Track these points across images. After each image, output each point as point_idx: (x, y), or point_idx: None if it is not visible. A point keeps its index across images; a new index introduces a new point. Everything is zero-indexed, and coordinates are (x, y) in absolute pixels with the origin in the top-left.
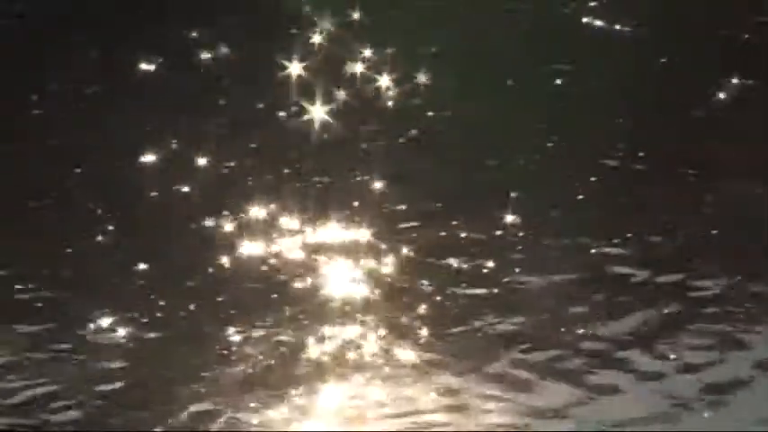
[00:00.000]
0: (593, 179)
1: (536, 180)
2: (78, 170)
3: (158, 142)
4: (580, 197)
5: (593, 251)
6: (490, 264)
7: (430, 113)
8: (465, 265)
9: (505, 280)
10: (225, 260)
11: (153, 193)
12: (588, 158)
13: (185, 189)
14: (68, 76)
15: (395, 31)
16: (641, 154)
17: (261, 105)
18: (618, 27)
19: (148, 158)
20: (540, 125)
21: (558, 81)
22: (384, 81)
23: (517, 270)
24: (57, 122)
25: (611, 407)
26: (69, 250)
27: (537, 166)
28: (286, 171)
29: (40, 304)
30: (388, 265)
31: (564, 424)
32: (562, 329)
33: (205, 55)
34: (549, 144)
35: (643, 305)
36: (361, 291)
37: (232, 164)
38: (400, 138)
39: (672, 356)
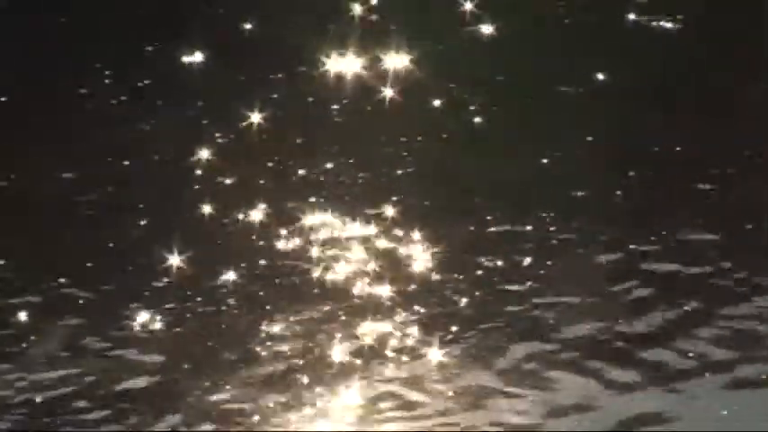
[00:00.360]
0: (630, 174)
1: (571, 176)
2: (125, 163)
3: (199, 137)
4: (617, 193)
5: (630, 247)
6: (523, 260)
7: (471, 108)
8: (498, 262)
9: (539, 274)
10: (260, 255)
11: (193, 187)
12: (625, 155)
13: (225, 182)
14: (114, 69)
15: (433, 29)
16: (678, 149)
17: (302, 101)
18: (661, 24)
19: (189, 153)
20: (579, 121)
21: (600, 77)
22: (422, 78)
23: (549, 264)
24: (103, 117)
25: (635, 404)
26: (111, 245)
27: (573, 162)
28: (326, 166)
29: (78, 297)
30: (420, 261)
31: (587, 423)
32: (591, 327)
33: (249, 49)
34: (588, 139)
35: (675, 303)
36: (393, 287)
37: (274, 158)
38: (441, 134)
39: (698, 354)
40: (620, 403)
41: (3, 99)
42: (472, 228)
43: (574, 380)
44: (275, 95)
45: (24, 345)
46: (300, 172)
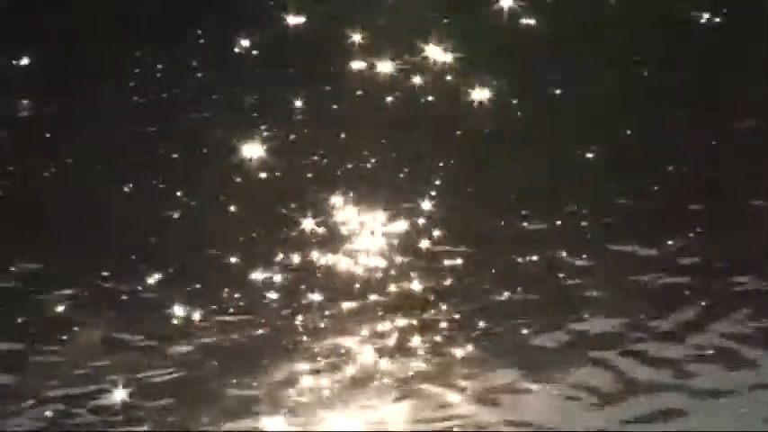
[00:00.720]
0: (669, 168)
1: (609, 171)
2: (174, 156)
3: (247, 130)
4: (655, 188)
5: (668, 243)
6: (558, 256)
7: (513, 102)
8: (533, 257)
9: (572, 271)
10: (298, 249)
11: (235, 181)
12: (666, 150)
13: (268, 175)
14: (165, 63)
15: (477, 27)
16: (714, 143)
17: (351, 95)
18: (705, 18)
19: (235, 147)
20: (622, 114)
21: (645, 73)
22: (466, 71)
23: (584, 257)
24: (152, 109)
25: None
26: (152, 240)
27: (612, 157)
28: (370, 161)
29: (119, 292)
30: (455, 257)
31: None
32: (622, 326)
33: (303, 42)
34: (627, 132)
35: (714, 305)
36: (428, 282)
37: (318, 152)
38: (482, 128)
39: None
40: (646, 402)
41: (28, 97)
42: (506, 223)
43: (604, 379)
44: (327, 88)
45: (65, 338)
46: (345, 166)
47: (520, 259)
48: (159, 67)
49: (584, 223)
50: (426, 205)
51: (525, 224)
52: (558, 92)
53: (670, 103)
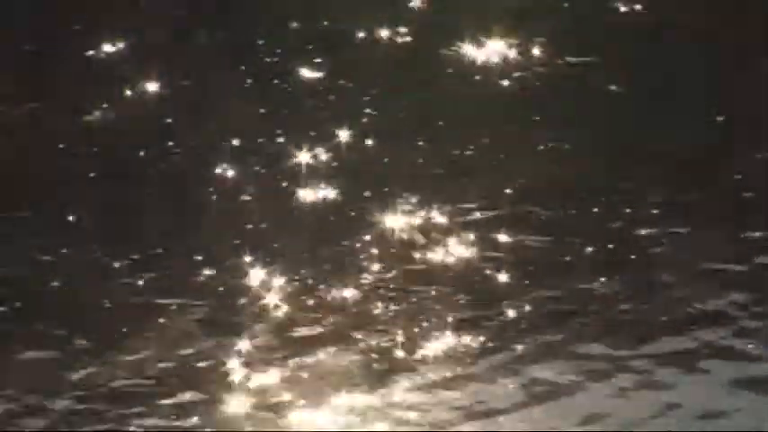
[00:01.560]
0: (757, 156)
1: (694, 159)
2: (280, 140)
3: (356, 113)
4: (737, 177)
5: (752, 234)
6: (626, 249)
7: (611, 88)
8: (612, 245)
9: (643, 266)
10: (381, 238)
11: (331, 165)
12: (751, 138)
13: (360, 159)
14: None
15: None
16: None
17: (468, 79)
18: None
19: (334, 130)
20: (708, 101)
21: (742, 60)
22: (534, 55)
23: (655, 250)
24: (267, 92)
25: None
26: (249, 226)
27: (697, 145)
28: (467, 147)
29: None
30: (533, 248)
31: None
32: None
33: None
34: (719, 119)
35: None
36: (506, 274)
37: (418, 138)
38: (557, 110)
39: None
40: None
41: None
42: (572, 212)
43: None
44: (449, 70)
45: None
46: (442, 153)
47: (595, 253)
48: (276, 51)
49: (656, 210)
50: (507, 190)
51: (598, 211)
52: (657, 70)
53: None
